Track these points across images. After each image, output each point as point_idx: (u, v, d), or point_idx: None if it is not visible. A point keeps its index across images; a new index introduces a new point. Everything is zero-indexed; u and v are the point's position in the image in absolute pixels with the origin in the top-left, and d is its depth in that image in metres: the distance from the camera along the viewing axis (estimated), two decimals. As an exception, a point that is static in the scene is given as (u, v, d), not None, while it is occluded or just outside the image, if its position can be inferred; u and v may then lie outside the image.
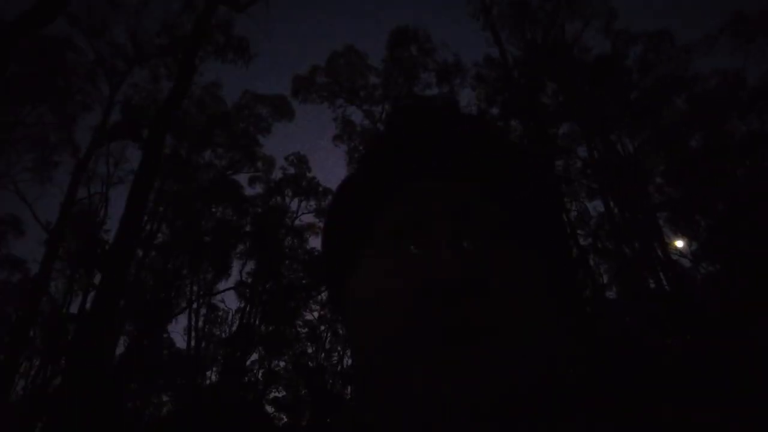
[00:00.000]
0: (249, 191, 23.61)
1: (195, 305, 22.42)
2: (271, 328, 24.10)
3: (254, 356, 25.20)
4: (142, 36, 14.91)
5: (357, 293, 0.39)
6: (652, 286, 17.42)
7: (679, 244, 21.16)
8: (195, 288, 22.50)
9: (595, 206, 21.08)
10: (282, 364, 26.43)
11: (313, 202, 24.92)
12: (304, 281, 24.69)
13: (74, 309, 22.36)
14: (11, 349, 12.36)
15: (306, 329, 26.52)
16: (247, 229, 22.41)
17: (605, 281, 19.99)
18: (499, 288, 0.33)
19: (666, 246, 18.83)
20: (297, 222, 25.60)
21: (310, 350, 26.68)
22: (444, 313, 0.32)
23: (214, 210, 21.27)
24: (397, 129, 0.45)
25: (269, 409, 25.79)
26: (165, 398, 26.07)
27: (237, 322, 24.55)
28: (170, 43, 15.87)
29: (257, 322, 24.20)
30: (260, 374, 26.28)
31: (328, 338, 27.08)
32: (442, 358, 0.31)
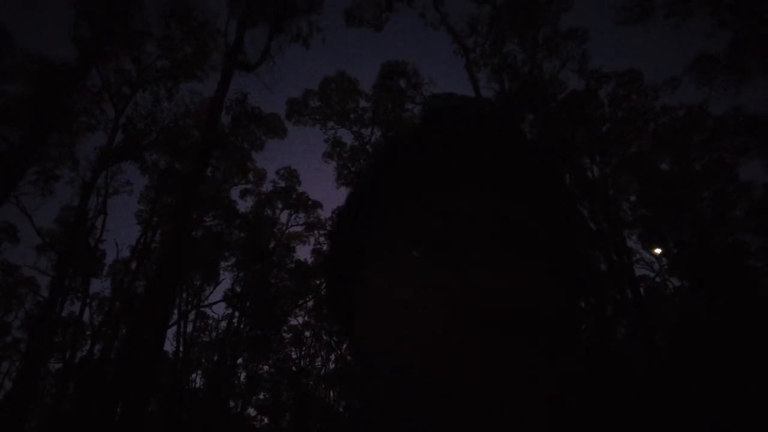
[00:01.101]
0: (240, 204, 24.39)
1: (185, 311, 23.07)
2: (259, 332, 24.79)
3: (239, 360, 25.89)
4: (145, 61, 15.77)
5: (370, 299, 0.37)
6: (618, 298, 18.74)
7: (658, 251, 22.92)
8: (185, 295, 23.16)
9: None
10: (266, 368, 27.15)
11: (302, 215, 25.91)
12: (290, 289, 25.44)
13: (64, 313, 22.91)
14: (31, 362, 13.07)
15: (290, 334, 27.27)
16: (238, 239, 23.15)
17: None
18: (529, 312, 0.32)
19: (632, 261, 20.22)
20: (286, 233, 26.43)
21: (294, 355, 27.44)
22: (472, 337, 0.31)
23: (206, 221, 21.98)
24: (435, 127, 0.40)
25: (252, 412, 26.52)
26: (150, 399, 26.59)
27: (224, 327, 25.25)
28: (172, 66, 16.72)
29: (244, 327, 24.86)
30: (243, 377, 27.00)
31: (312, 344, 27.82)
32: (458, 380, 0.30)
